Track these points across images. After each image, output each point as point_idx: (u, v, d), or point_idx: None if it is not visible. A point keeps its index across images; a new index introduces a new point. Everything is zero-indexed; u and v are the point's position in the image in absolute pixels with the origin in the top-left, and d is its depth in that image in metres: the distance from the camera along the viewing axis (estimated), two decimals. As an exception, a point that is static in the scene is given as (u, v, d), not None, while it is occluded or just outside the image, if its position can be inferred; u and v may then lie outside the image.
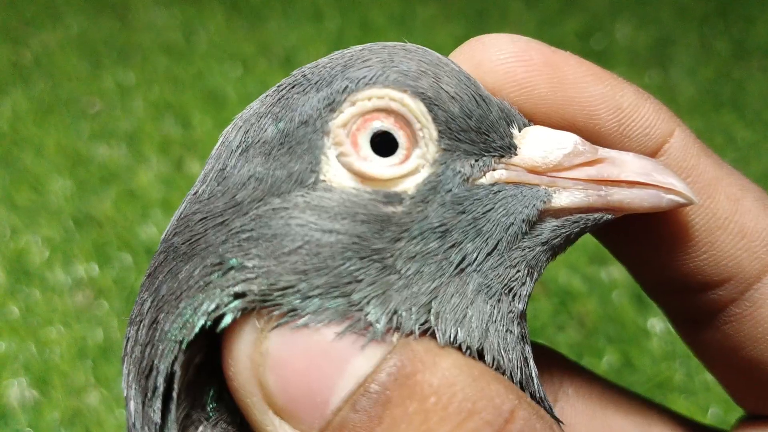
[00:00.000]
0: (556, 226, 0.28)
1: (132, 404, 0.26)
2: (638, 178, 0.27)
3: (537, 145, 0.28)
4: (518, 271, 0.27)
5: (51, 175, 1.68)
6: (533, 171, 0.28)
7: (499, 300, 0.27)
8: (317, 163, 0.26)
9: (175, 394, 0.25)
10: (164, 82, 2.08)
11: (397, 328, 0.25)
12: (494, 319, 0.26)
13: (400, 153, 0.26)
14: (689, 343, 0.34)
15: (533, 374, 0.28)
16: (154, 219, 1.52)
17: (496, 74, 0.29)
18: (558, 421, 0.26)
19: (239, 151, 0.27)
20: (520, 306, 0.27)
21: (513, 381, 0.26)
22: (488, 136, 0.27)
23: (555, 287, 1.35)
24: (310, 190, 0.26)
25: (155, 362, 0.26)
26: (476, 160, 0.27)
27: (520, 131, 0.28)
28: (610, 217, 0.28)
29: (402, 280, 0.25)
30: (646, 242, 0.31)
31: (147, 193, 1.61)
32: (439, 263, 0.26)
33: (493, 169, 0.27)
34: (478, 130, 0.27)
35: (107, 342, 1.26)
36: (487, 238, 0.26)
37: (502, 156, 0.28)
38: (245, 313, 0.25)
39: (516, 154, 0.28)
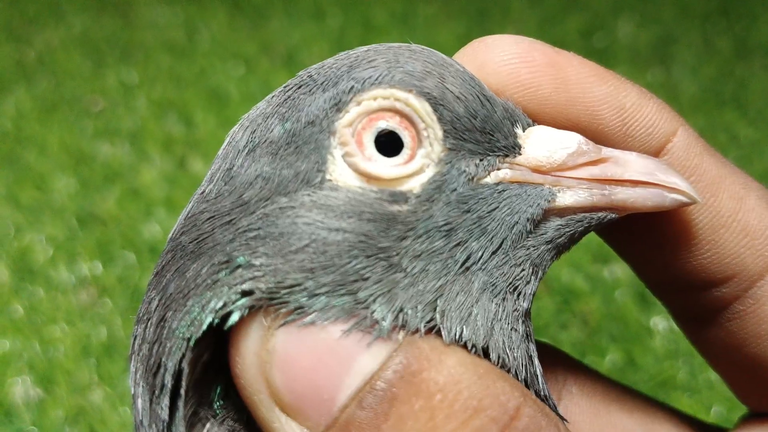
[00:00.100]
0: (561, 225, 0.28)
1: (139, 402, 0.27)
2: (642, 178, 0.27)
3: (541, 144, 0.28)
4: (523, 269, 0.27)
5: (54, 173, 1.68)
6: (537, 170, 0.28)
7: (504, 298, 0.27)
8: (323, 163, 0.26)
9: (182, 392, 0.26)
10: (167, 80, 2.08)
11: (403, 326, 0.25)
12: (499, 317, 0.27)
13: (405, 153, 0.27)
14: (693, 340, 0.34)
15: (538, 372, 0.28)
16: (158, 217, 1.53)
17: (500, 75, 0.29)
18: (562, 419, 0.26)
19: (246, 150, 0.27)
20: (525, 304, 0.28)
21: (518, 379, 0.26)
22: (493, 135, 0.27)
23: (558, 286, 1.35)
24: (317, 189, 0.26)
25: (163, 360, 0.26)
26: (481, 160, 0.27)
27: (524, 131, 0.28)
28: (614, 216, 0.28)
29: (408, 279, 0.25)
30: (650, 241, 0.31)
31: (150, 192, 1.61)
32: (445, 262, 0.26)
33: (498, 169, 0.28)
34: (482, 129, 0.27)
35: (111, 340, 1.26)
36: (492, 237, 0.27)
37: (507, 155, 0.28)
38: (252, 311, 0.25)
39: (520, 154, 0.28)
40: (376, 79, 0.27)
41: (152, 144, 1.78)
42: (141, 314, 0.27)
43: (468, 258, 0.26)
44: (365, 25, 2.39)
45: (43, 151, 1.77)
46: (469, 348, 0.25)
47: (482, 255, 0.26)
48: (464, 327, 0.25)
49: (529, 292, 0.28)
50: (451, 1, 2.53)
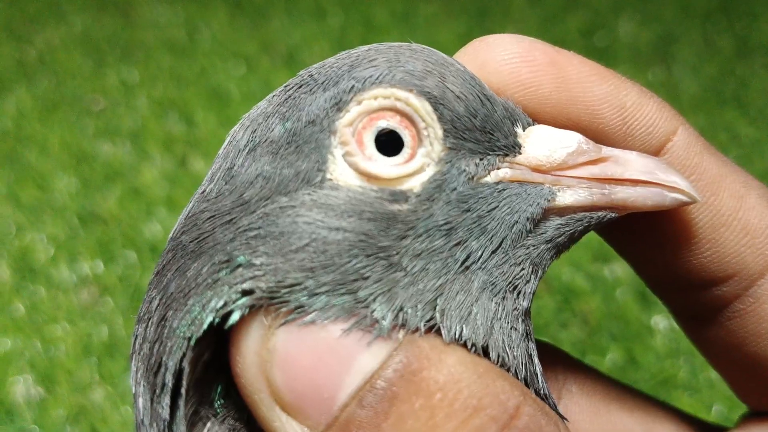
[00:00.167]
0: (560, 224, 0.28)
1: (140, 401, 0.27)
2: (642, 177, 0.27)
3: (541, 144, 0.28)
4: (523, 269, 0.27)
5: (55, 172, 1.68)
6: (537, 170, 0.28)
7: (503, 297, 0.27)
8: (324, 162, 0.26)
9: (183, 391, 0.26)
10: (168, 79, 2.09)
11: (403, 325, 0.25)
12: (499, 316, 0.27)
13: (406, 152, 0.27)
14: (693, 339, 0.34)
15: (538, 371, 0.28)
16: (159, 216, 1.53)
17: (501, 74, 0.29)
18: (562, 417, 0.26)
19: (247, 150, 0.27)
20: (525, 303, 0.28)
21: (518, 378, 0.26)
22: (493, 135, 0.27)
23: (558, 285, 1.35)
24: (317, 188, 0.26)
25: (164, 359, 0.26)
26: (481, 159, 0.27)
27: (524, 130, 0.28)
28: (614, 215, 0.28)
29: (408, 278, 0.25)
30: (650, 240, 0.31)
31: (151, 191, 1.61)
32: (445, 261, 0.26)
33: (498, 168, 0.28)
34: (482, 129, 0.27)
35: (112, 339, 1.26)
36: (492, 236, 0.27)
37: (507, 155, 0.28)
38: (253, 310, 0.25)
39: (520, 153, 0.28)
40: (377, 79, 0.27)
41: (153, 143, 1.78)
42: (142, 313, 0.27)
43: (468, 257, 0.26)
44: (366, 25, 2.39)
45: (44, 151, 1.77)
46: (469, 347, 0.25)
47: (482, 254, 0.26)
48: (464, 326, 0.26)
49: (529, 291, 0.28)
50: (452, 1, 2.53)
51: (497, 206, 0.27)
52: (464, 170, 0.27)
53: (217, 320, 0.25)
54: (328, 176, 0.26)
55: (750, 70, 2.15)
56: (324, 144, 0.26)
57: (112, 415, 1.13)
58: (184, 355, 0.25)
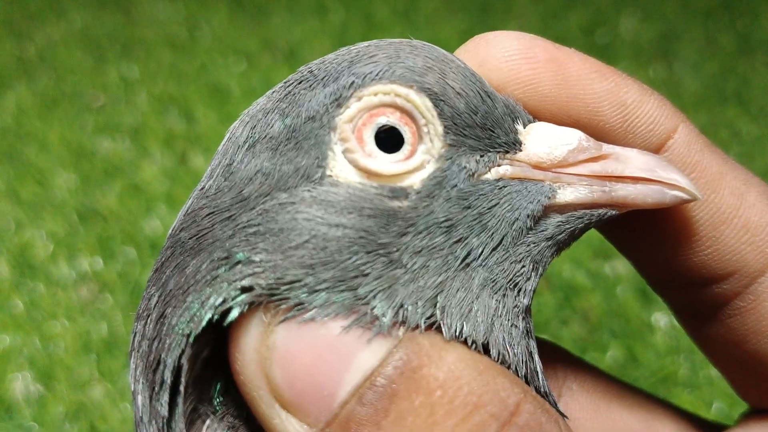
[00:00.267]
0: (561, 221, 0.28)
1: (139, 398, 0.27)
2: (642, 174, 0.27)
3: (541, 141, 0.28)
4: (523, 266, 0.27)
5: (55, 169, 1.68)
6: (538, 167, 0.28)
7: (504, 295, 0.27)
8: (324, 159, 0.26)
9: (182, 388, 0.26)
10: (168, 76, 2.08)
11: (403, 322, 0.25)
12: (499, 313, 0.26)
13: (406, 148, 0.27)
14: (694, 337, 0.34)
15: (538, 369, 0.28)
16: (158, 213, 1.53)
17: (501, 71, 0.29)
18: (563, 415, 0.26)
19: (246, 146, 0.27)
20: (525, 301, 0.28)
21: (518, 375, 0.26)
22: (493, 132, 0.27)
23: (559, 282, 1.35)
24: (317, 185, 0.26)
25: (162, 356, 0.26)
26: (481, 156, 0.27)
27: (524, 127, 0.28)
28: (614, 212, 0.28)
29: (408, 275, 0.25)
30: (651, 237, 0.31)
31: (151, 187, 1.61)
32: (445, 258, 0.26)
33: (498, 165, 0.27)
34: (483, 126, 0.27)
35: (111, 336, 1.26)
36: (493, 234, 0.27)
37: (507, 152, 0.28)
38: (252, 307, 0.25)
39: (521, 150, 0.28)
40: (377, 75, 0.27)
41: (153, 139, 1.78)
42: (141, 311, 0.27)
43: (468, 254, 0.26)
44: (367, 21, 2.39)
45: (44, 147, 1.77)
46: (470, 344, 0.25)
47: (482, 251, 0.26)
48: (464, 323, 0.25)
49: (530, 288, 0.28)
50: (453, -3, 2.53)
51: (498, 203, 0.27)
52: (464, 167, 0.27)
53: (216, 317, 0.25)
54: (328, 173, 0.26)
55: (751, 67, 2.14)
56: (324, 140, 0.26)
57: (111, 412, 1.13)
58: (182, 352, 0.25)
